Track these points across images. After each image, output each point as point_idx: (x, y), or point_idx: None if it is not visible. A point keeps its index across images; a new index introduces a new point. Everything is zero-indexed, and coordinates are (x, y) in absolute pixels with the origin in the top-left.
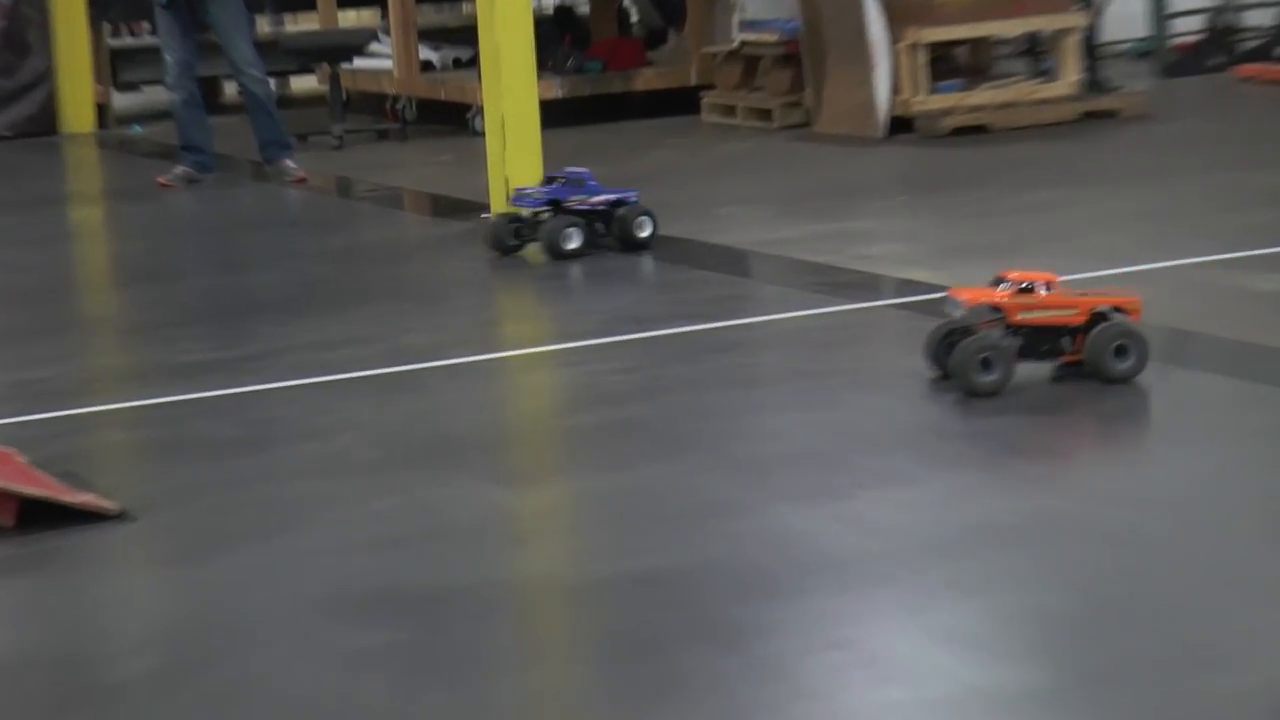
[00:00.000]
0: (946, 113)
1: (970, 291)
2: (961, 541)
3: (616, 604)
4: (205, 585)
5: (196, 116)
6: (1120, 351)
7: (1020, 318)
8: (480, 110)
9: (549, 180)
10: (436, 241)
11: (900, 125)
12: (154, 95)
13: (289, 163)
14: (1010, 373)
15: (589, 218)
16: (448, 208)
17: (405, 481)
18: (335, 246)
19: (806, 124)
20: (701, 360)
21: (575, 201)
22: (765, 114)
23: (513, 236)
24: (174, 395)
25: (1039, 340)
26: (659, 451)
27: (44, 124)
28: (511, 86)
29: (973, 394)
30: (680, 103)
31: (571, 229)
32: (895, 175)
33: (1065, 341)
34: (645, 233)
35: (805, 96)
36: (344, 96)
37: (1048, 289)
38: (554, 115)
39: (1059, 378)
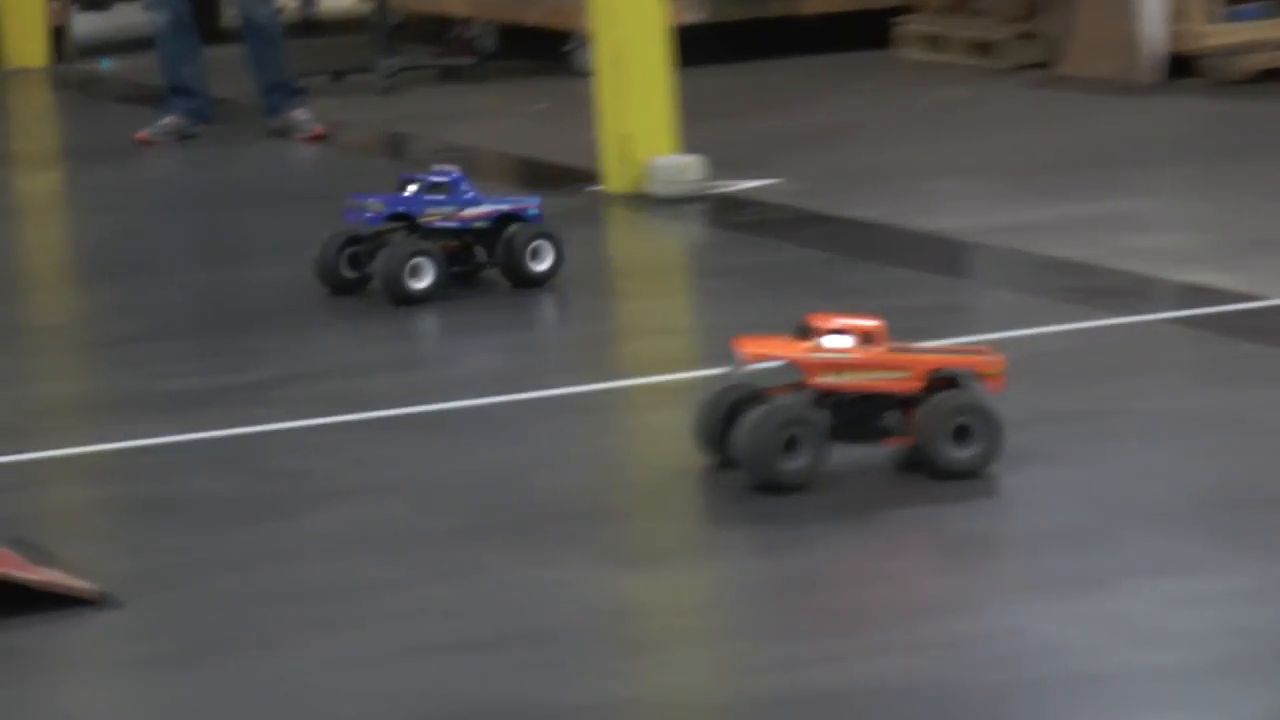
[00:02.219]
0: (1248, 49)
1: (759, 343)
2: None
3: None
4: (203, 702)
5: (186, 46)
6: (961, 434)
7: (825, 381)
8: (585, 41)
9: (404, 184)
10: None
11: (1180, 66)
12: (128, 16)
13: (299, 114)
14: (822, 457)
15: (460, 239)
16: (541, 176)
17: (480, 561)
18: None
19: (1045, 63)
20: None
21: (437, 215)
22: (987, 48)
23: (348, 266)
24: (158, 436)
25: (854, 414)
26: (835, 521)
27: None
28: (628, 7)
29: (770, 487)
30: (868, 31)
31: (420, 259)
32: (1173, 136)
33: (893, 417)
34: (543, 264)
35: (1044, 25)
36: (395, 20)
37: (867, 341)
38: (692, 47)
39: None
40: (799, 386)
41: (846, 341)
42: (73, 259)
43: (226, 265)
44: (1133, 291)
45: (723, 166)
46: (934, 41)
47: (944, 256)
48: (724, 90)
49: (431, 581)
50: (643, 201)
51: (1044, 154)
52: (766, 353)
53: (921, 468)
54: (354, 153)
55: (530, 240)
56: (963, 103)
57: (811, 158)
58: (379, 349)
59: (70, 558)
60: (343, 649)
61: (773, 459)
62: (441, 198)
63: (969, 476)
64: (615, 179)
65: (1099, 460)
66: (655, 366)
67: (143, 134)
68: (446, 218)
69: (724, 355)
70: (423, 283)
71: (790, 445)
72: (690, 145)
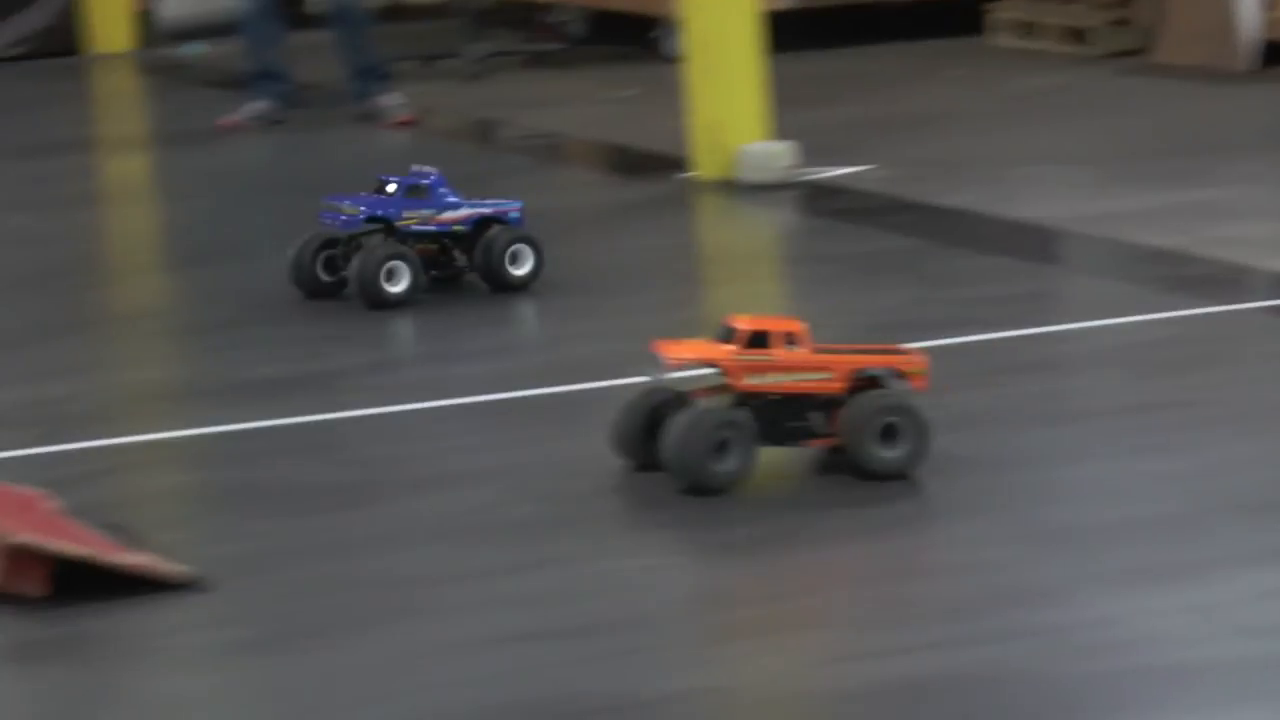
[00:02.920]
0: None
1: (682, 346)
2: None
3: None
4: (290, 687)
5: (272, 31)
6: (888, 434)
7: (749, 383)
8: (673, 26)
9: (381, 187)
10: (616, 210)
11: (1275, 54)
12: (214, 1)
13: (386, 99)
14: (751, 460)
15: (439, 243)
16: (632, 163)
17: (568, 549)
18: None
19: (1139, 50)
20: (993, 384)
21: (414, 219)
22: (1079, 35)
23: (324, 269)
24: (246, 422)
25: (779, 415)
26: (933, 512)
27: (63, 40)
28: None
29: (698, 491)
30: (960, 17)
31: (395, 262)
32: (1267, 124)
33: (816, 418)
34: (523, 269)
35: (1138, 11)
36: (484, 6)
37: (790, 343)
38: (783, 33)
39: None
40: (722, 389)
41: (770, 342)
42: (160, 245)
43: None
44: (1225, 280)
45: (813, 153)
46: (1026, 28)
47: (1035, 244)
48: (815, 76)
49: (517, 569)
50: (732, 188)
51: (1136, 142)
52: (690, 356)
53: (846, 469)
54: (441, 138)
55: (509, 244)
56: (1055, 90)
57: (902, 145)
58: (467, 335)
59: (160, 543)
60: (428, 636)
61: (703, 462)
62: (419, 199)
63: (896, 477)
64: (705, 166)
65: (1190, 450)
66: None
67: (228, 119)
68: (424, 221)
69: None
70: (398, 287)
71: (720, 448)
72: (781, 132)
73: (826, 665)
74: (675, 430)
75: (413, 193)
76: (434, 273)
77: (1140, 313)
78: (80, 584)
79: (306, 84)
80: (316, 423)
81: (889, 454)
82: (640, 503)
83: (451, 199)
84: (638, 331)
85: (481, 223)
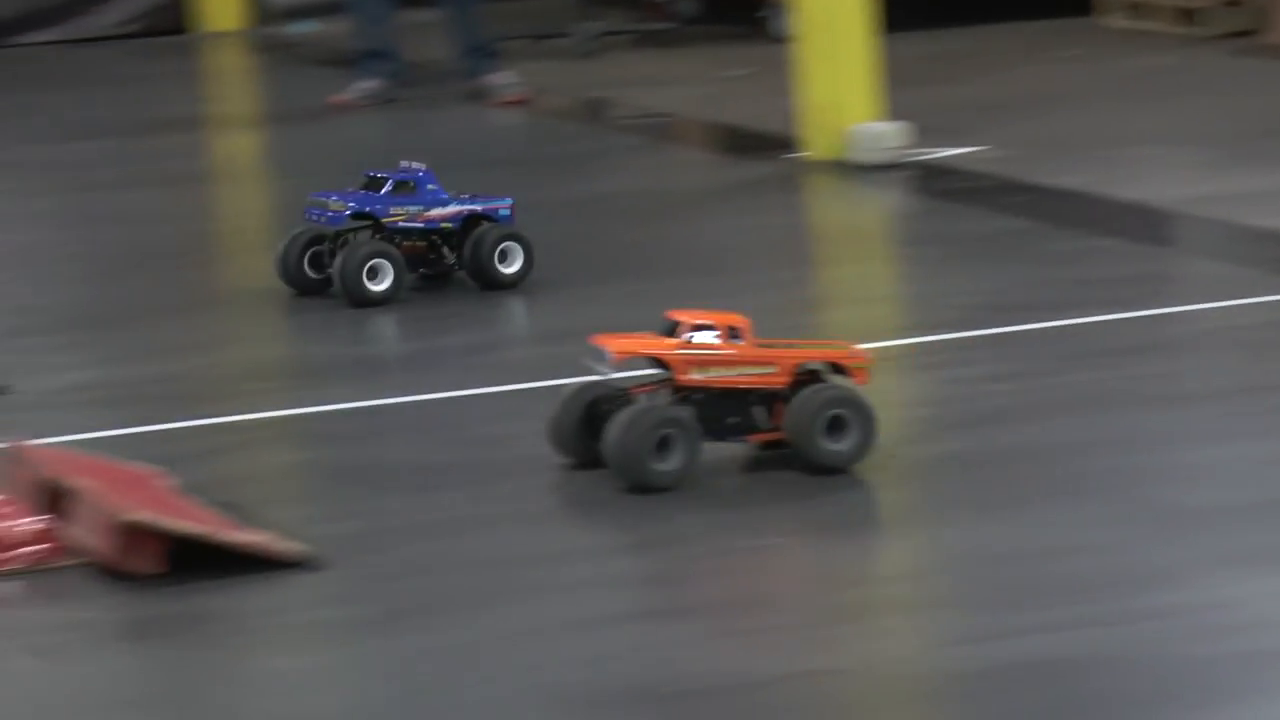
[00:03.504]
0: None
1: (622, 340)
2: None
3: (986, 705)
4: (406, 666)
5: (382, 9)
6: (835, 427)
7: (692, 377)
8: (781, 6)
9: (370, 183)
10: (726, 190)
11: None
12: None
13: (497, 77)
14: (694, 457)
15: (427, 240)
16: (742, 143)
17: (685, 528)
18: (579, 196)
19: (1251, 31)
20: (1106, 365)
21: (402, 215)
22: (1191, 16)
23: (311, 266)
24: (359, 400)
25: (721, 410)
26: (1047, 493)
27: (173, 18)
28: None
29: (641, 488)
30: None
31: (379, 260)
32: None
33: (759, 412)
34: (511, 267)
35: None
36: None
37: (733, 337)
38: (894, 13)
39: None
40: (662, 384)
41: (713, 337)
42: (271, 223)
43: None
44: None
45: (924, 134)
46: (1137, 9)
47: (1147, 226)
48: (925, 57)
49: (632, 549)
50: (843, 169)
51: (1249, 123)
52: (633, 350)
53: (794, 463)
54: (551, 117)
55: (498, 242)
56: (1166, 70)
57: (1013, 125)
58: (579, 314)
59: (273, 521)
60: (538, 615)
61: (643, 461)
62: (406, 195)
63: (843, 470)
64: (815, 146)
65: None
66: (857, 334)
67: (339, 98)
68: (411, 218)
69: (928, 324)
70: (381, 285)
71: (661, 446)
72: (891, 112)
73: (942, 647)
74: (615, 428)
75: (400, 188)
76: (423, 270)
77: (1252, 295)
78: (194, 561)
79: (416, 62)
80: (430, 401)
81: (837, 447)
82: (753, 481)
83: (440, 195)
84: (752, 311)
85: (471, 220)
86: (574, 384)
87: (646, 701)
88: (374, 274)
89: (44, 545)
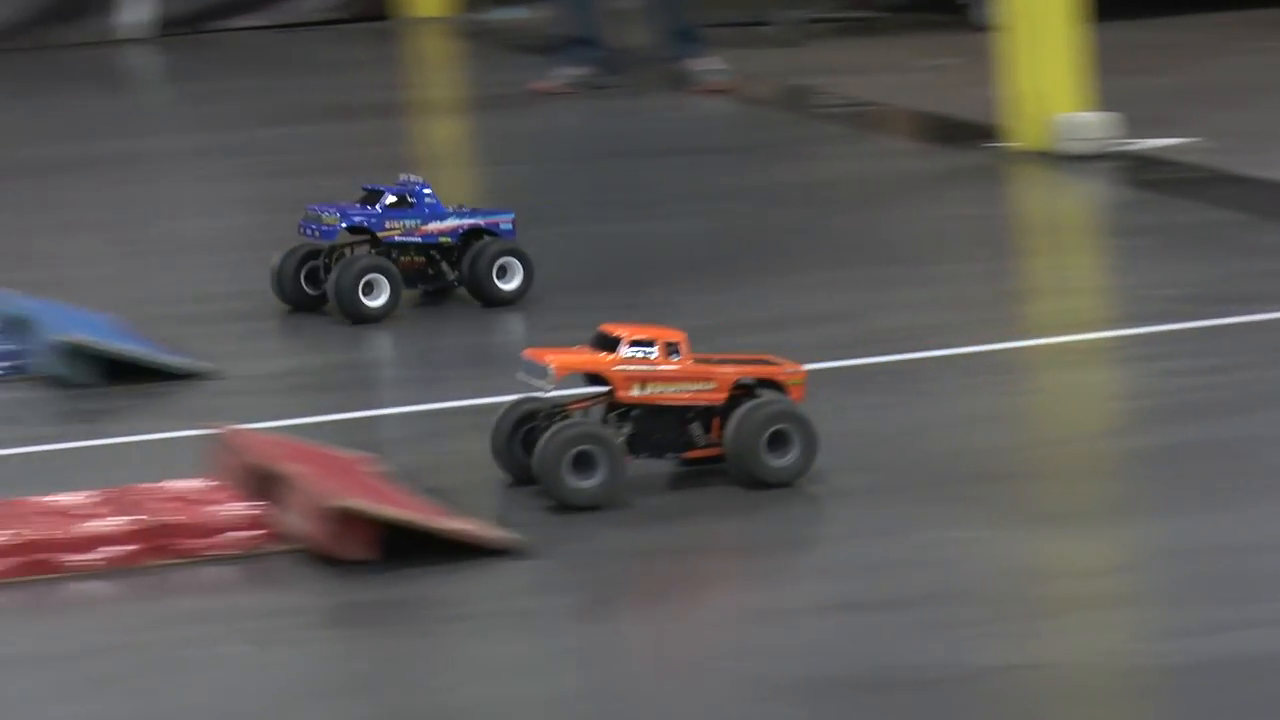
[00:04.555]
0: None
1: (560, 355)
2: None
3: (1196, 700)
4: (607, 655)
5: None
6: (776, 442)
7: (631, 394)
8: None
9: (368, 196)
10: (930, 179)
11: None
12: None
13: (700, 63)
14: (618, 474)
15: (425, 255)
16: (945, 132)
17: (893, 520)
18: (779, 183)
19: None
20: None
21: (398, 229)
22: None
23: (307, 280)
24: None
25: (658, 426)
26: (1254, 487)
27: (377, 4)
28: None
29: (564, 505)
30: None
31: (374, 275)
32: None
33: (696, 429)
34: (511, 283)
35: None
36: None
37: (672, 353)
38: (1101, 2)
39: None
40: (599, 400)
41: (651, 353)
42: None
43: (629, 217)
44: None
45: (1132, 124)
46: None
47: None
48: (1131, 46)
49: (839, 539)
50: (1049, 159)
51: None
52: (574, 365)
53: (734, 478)
54: (753, 104)
55: (496, 257)
56: None
57: (1224, 115)
58: (791, 303)
59: (480, 508)
60: (747, 604)
61: (561, 478)
62: (403, 210)
63: (785, 485)
64: (1021, 135)
65: None
66: (1063, 326)
67: (542, 84)
68: (409, 231)
69: (1134, 316)
70: (377, 301)
71: (579, 463)
72: (1098, 102)
73: (1150, 642)
74: (541, 446)
75: (397, 202)
76: (422, 286)
77: None
78: (404, 548)
79: (619, 49)
80: None
81: (779, 462)
82: (964, 476)
83: (439, 208)
84: (958, 301)
85: (473, 234)
86: (508, 402)
87: (853, 691)
88: (370, 289)
89: (255, 531)
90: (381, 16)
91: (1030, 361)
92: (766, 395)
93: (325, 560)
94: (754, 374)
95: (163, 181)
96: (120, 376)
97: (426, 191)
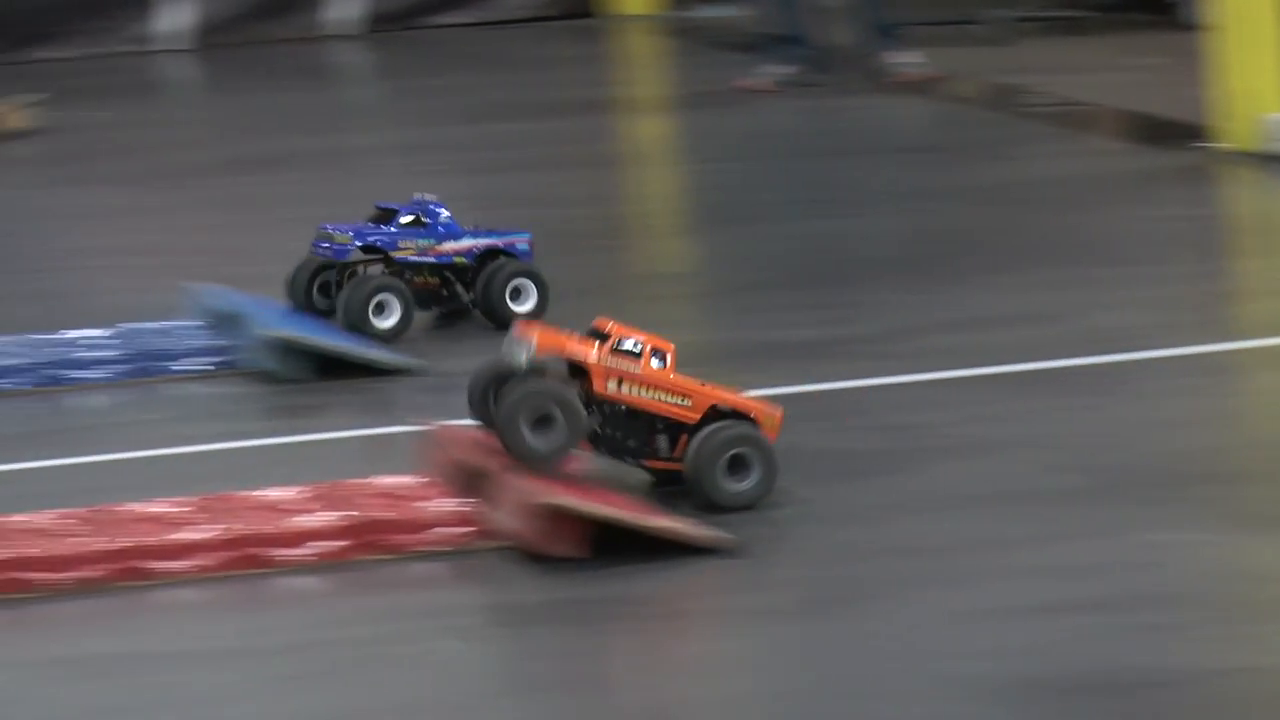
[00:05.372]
0: None
1: (550, 334)
2: None
3: None
4: (821, 654)
5: None
6: (736, 465)
7: (607, 390)
8: None
9: (381, 215)
10: (1137, 179)
11: None
12: None
13: (900, 58)
14: (575, 435)
15: (439, 275)
16: (1152, 131)
17: (1103, 522)
18: (984, 182)
19: None
20: None
21: (411, 249)
22: None
23: (321, 293)
24: (775, 387)
25: (626, 428)
26: None
27: (583, 2)
28: None
29: (523, 461)
30: None
31: (385, 295)
32: None
33: (662, 441)
34: (525, 306)
35: None
36: None
37: (660, 360)
38: None
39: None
40: (571, 382)
41: (637, 355)
42: (682, 206)
43: (833, 215)
44: None
45: None
46: None
47: None
48: None
49: (1051, 540)
50: (1258, 158)
51: None
52: (558, 348)
53: (691, 497)
54: (959, 103)
55: (511, 279)
56: None
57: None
58: (985, 302)
59: (684, 507)
60: (958, 605)
61: (520, 434)
62: (416, 229)
63: (741, 509)
64: (1230, 135)
65: None
66: (1276, 328)
67: (748, 82)
68: (422, 251)
69: None
70: (387, 321)
71: (540, 422)
72: None
73: None
74: (500, 405)
75: (412, 222)
76: (436, 308)
77: None
78: (613, 546)
79: (824, 48)
80: (844, 389)
81: (735, 486)
82: (1178, 478)
83: (454, 228)
84: (1166, 302)
85: (489, 254)
86: (490, 361)
87: (1067, 694)
88: (380, 309)
89: (464, 527)
90: (587, 14)
91: (1242, 363)
92: (733, 422)
93: (534, 557)
94: (732, 403)
95: (370, 177)
96: (329, 372)
97: (441, 211)
